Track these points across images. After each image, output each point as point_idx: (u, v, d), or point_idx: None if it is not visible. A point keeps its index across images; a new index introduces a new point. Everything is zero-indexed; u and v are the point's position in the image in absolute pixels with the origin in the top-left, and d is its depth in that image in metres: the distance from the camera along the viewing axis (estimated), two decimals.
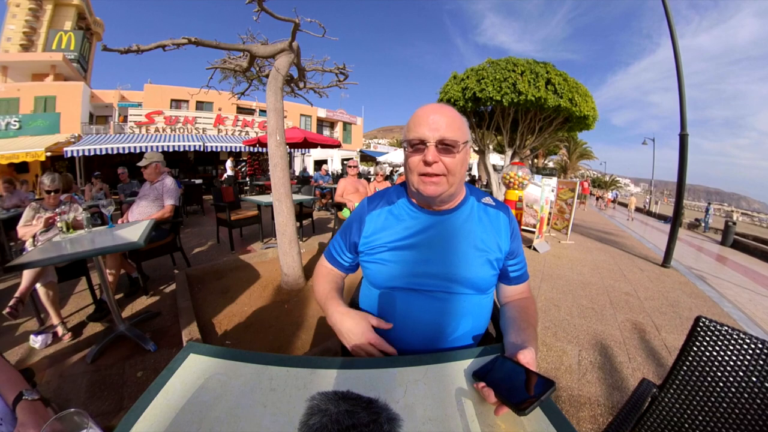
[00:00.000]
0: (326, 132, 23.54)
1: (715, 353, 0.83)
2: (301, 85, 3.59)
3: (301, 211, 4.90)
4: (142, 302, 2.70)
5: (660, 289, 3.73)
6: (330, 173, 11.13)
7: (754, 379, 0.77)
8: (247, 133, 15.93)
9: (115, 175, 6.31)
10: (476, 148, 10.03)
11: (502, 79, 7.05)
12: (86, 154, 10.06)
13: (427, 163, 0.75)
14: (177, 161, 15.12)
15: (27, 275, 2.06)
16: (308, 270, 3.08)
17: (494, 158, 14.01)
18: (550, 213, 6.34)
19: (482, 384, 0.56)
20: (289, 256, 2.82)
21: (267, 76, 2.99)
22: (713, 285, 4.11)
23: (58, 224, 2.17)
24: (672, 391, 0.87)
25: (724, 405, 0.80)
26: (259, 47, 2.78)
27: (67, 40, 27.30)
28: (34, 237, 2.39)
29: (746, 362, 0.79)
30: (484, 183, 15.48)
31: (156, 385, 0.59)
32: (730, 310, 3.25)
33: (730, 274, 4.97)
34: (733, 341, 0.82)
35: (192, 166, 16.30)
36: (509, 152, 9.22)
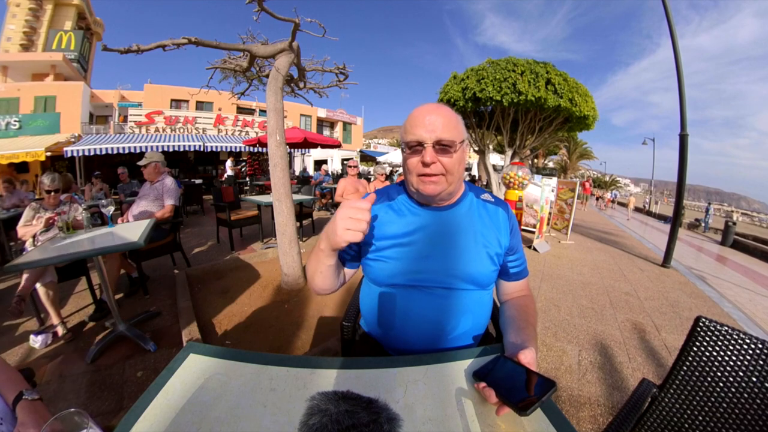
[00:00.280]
0: (326, 132, 23.53)
1: (715, 353, 0.83)
2: (301, 85, 3.60)
3: (301, 211, 4.90)
4: (142, 302, 2.70)
5: (660, 289, 3.73)
6: (330, 173, 11.14)
7: (754, 379, 0.77)
8: (247, 133, 15.92)
9: (115, 175, 6.32)
10: (476, 148, 10.03)
11: (502, 79, 7.05)
12: (86, 154, 10.05)
13: (425, 164, 0.75)
14: (177, 161, 15.11)
15: (27, 275, 2.07)
16: None
17: (494, 158, 14.02)
18: (550, 213, 6.34)
19: (483, 384, 0.56)
20: (289, 256, 2.82)
21: (267, 76, 2.99)
22: (713, 285, 4.11)
23: (58, 224, 2.17)
24: (672, 391, 0.87)
25: (724, 405, 0.80)
26: (259, 47, 2.78)
27: (67, 40, 27.28)
28: (34, 237, 2.40)
29: (746, 362, 0.79)
30: (484, 183, 15.47)
31: (156, 385, 0.59)
32: (730, 310, 3.25)
33: (730, 274, 4.97)
34: (733, 341, 0.82)
35: (192, 166, 16.30)
36: (509, 152, 9.22)
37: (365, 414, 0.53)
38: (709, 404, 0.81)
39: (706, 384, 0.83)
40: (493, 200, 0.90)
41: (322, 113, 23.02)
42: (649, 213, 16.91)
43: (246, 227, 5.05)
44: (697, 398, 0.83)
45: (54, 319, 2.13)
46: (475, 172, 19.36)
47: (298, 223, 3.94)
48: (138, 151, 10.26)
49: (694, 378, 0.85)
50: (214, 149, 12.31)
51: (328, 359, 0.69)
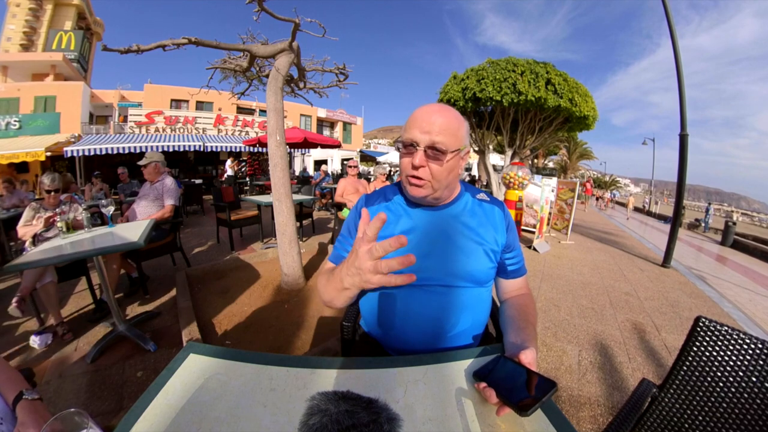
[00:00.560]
0: (326, 132, 23.53)
1: (715, 353, 0.83)
2: (301, 85, 3.60)
3: (301, 211, 4.90)
4: (142, 302, 2.70)
5: (660, 289, 3.73)
6: (330, 173, 11.14)
7: (754, 379, 0.77)
8: (247, 133, 15.92)
9: (115, 175, 6.31)
10: (476, 148, 10.03)
11: (502, 79, 7.05)
12: (86, 154, 10.05)
13: (414, 167, 0.75)
14: (177, 161, 15.10)
15: (28, 275, 2.07)
16: (308, 270, 3.08)
17: (494, 158, 14.02)
18: (550, 213, 6.34)
19: (483, 384, 0.56)
20: (289, 256, 2.82)
21: (267, 76, 2.99)
22: (713, 285, 4.10)
23: (58, 224, 2.17)
24: (672, 391, 0.87)
25: (724, 405, 0.80)
26: (259, 47, 2.78)
27: (67, 40, 27.28)
28: (34, 237, 2.40)
29: (746, 362, 0.79)
30: (484, 183, 15.48)
31: (156, 385, 0.59)
32: (730, 310, 3.25)
33: (730, 274, 4.97)
34: (733, 341, 0.82)
35: (192, 166, 16.30)
36: (509, 152, 9.22)
37: (365, 414, 0.53)
38: (709, 404, 0.81)
39: (706, 384, 0.83)
40: (488, 199, 0.91)
41: (322, 113, 23.02)
42: (649, 213, 16.91)
43: (246, 227, 5.05)
44: (697, 398, 0.83)
45: (54, 319, 2.13)
46: (475, 172, 19.37)
47: (298, 223, 3.94)
48: (138, 151, 10.25)
49: (694, 378, 0.85)
50: (214, 149, 12.31)
51: (328, 359, 0.69)
